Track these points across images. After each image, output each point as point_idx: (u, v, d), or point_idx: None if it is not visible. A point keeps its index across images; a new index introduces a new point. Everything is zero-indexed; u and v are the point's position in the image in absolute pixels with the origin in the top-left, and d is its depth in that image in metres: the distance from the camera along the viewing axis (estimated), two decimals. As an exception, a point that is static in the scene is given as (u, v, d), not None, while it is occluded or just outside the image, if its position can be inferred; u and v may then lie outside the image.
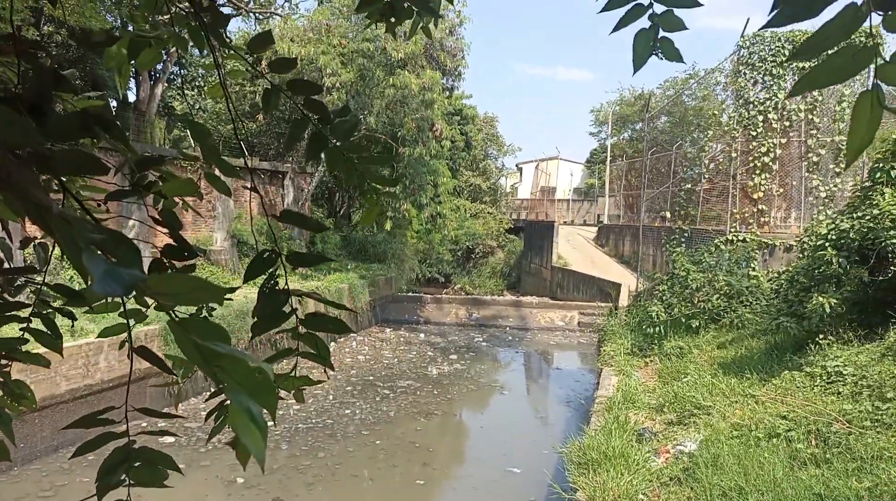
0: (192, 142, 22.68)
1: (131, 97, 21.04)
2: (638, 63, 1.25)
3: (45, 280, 1.40)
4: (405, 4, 1.86)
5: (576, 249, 28.06)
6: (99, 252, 0.58)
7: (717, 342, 10.93)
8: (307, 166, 21.11)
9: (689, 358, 10.47)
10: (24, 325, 1.23)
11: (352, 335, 18.48)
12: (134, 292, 0.59)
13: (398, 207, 20.20)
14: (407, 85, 18.03)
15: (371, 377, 14.57)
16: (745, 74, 15.61)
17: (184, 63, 23.37)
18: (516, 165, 50.26)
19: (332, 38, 18.20)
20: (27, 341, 1.24)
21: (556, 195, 44.13)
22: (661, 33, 1.24)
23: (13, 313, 1.15)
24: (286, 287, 1.31)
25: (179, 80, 25.00)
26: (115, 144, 0.88)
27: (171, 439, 8.99)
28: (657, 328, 12.05)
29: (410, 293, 24.00)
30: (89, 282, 0.53)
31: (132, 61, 1.37)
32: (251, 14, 22.81)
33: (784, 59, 14.80)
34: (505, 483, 8.96)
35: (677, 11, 1.23)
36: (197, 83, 25.13)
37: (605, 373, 11.28)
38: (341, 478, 8.99)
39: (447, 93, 22.91)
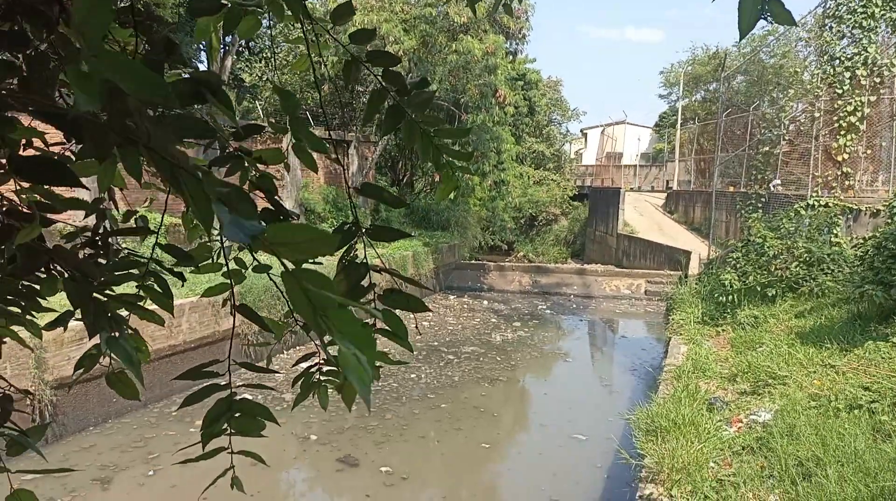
0: (260, 113, 23.30)
1: (201, 68, 21.70)
2: (745, 28, 1.14)
3: (131, 249, 1.49)
4: None
5: (643, 216, 27.34)
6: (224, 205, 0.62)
7: (795, 311, 10.49)
8: (371, 135, 21.32)
9: (764, 328, 10.12)
10: (140, 283, 1.33)
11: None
12: (252, 244, 0.64)
13: (461, 175, 20.17)
14: (470, 50, 17.81)
15: (435, 343, 14.82)
16: (830, 27, 14.58)
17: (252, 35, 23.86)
18: (581, 131, 49.13)
19: (394, 5, 18.13)
20: (143, 298, 1.34)
21: (622, 161, 43.00)
22: None
23: (130, 271, 1.25)
24: (365, 260, 1.31)
25: (247, 52, 25.56)
26: (222, 110, 0.93)
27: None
28: (730, 297, 11.66)
29: (473, 261, 24.08)
30: (219, 229, 0.58)
31: (233, 31, 1.41)
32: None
33: (877, 8, 13.68)
34: (570, 449, 9.01)
35: None
36: (264, 55, 25.65)
37: (673, 342, 11.06)
38: (409, 438, 9.27)
39: (510, 57, 22.50)
